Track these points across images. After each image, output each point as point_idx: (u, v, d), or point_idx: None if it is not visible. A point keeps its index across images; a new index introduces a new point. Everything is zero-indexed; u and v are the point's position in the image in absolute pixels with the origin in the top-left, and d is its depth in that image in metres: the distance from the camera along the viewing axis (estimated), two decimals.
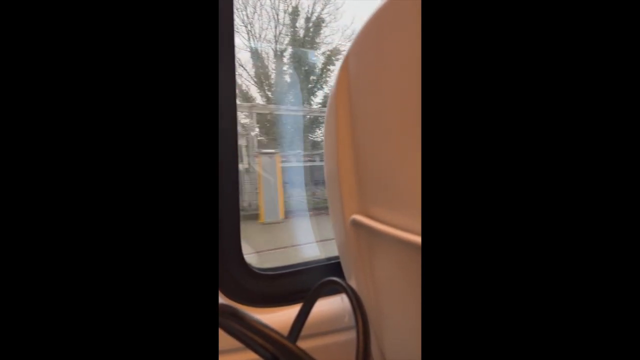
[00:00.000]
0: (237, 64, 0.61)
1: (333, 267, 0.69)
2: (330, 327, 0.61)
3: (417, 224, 0.38)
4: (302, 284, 0.66)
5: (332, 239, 0.56)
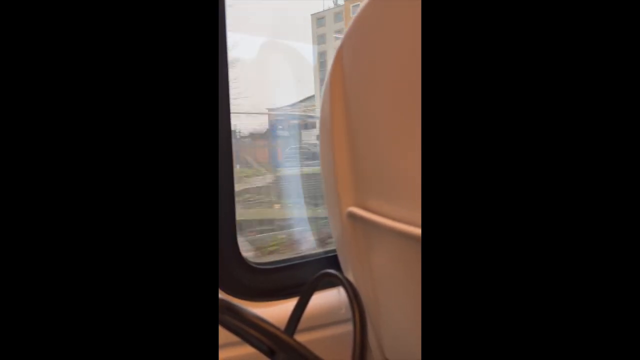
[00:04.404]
0: None
1: (330, 260, 0.69)
2: (327, 320, 0.61)
3: (414, 216, 0.38)
4: (299, 277, 0.66)
5: None
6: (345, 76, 0.46)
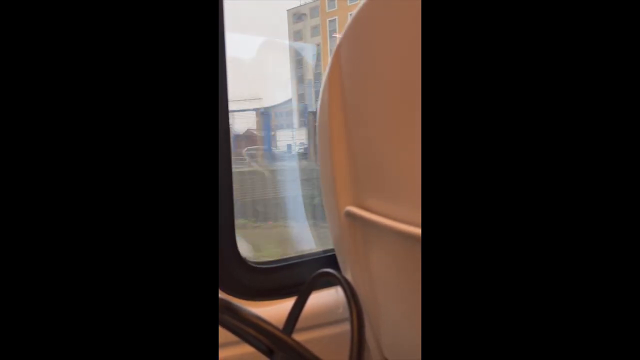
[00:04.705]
0: None
1: (329, 259, 0.69)
2: (325, 319, 0.61)
3: (412, 215, 0.38)
4: (297, 276, 0.66)
5: None
6: (343, 75, 0.46)
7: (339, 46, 0.46)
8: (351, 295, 0.36)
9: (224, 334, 0.31)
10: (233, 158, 0.63)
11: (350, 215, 0.48)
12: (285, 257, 0.70)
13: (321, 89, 0.50)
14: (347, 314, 0.35)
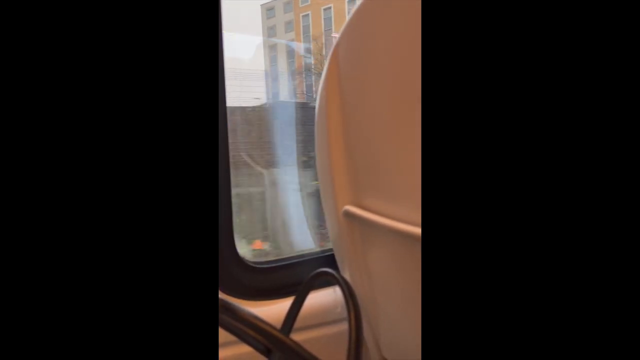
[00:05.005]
0: None
1: (328, 259, 0.69)
2: (323, 319, 0.61)
3: (411, 214, 0.38)
4: (295, 276, 0.66)
5: None
6: (341, 74, 0.46)
7: (337, 45, 0.46)
8: (349, 294, 0.36)
9: (222, 334, 0.31)
10: None
11: (348, 215, 0.48)
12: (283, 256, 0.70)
13: (319, 88, 0.50)
14: (345, 314, 0.35)
